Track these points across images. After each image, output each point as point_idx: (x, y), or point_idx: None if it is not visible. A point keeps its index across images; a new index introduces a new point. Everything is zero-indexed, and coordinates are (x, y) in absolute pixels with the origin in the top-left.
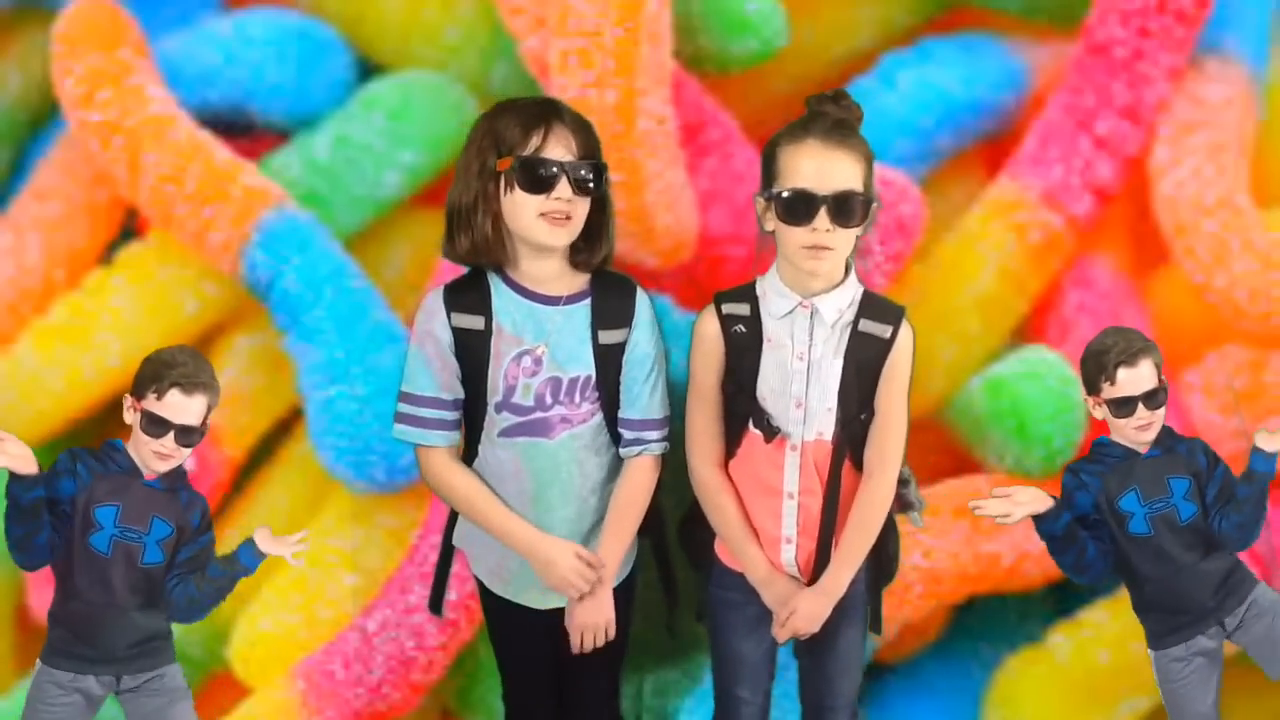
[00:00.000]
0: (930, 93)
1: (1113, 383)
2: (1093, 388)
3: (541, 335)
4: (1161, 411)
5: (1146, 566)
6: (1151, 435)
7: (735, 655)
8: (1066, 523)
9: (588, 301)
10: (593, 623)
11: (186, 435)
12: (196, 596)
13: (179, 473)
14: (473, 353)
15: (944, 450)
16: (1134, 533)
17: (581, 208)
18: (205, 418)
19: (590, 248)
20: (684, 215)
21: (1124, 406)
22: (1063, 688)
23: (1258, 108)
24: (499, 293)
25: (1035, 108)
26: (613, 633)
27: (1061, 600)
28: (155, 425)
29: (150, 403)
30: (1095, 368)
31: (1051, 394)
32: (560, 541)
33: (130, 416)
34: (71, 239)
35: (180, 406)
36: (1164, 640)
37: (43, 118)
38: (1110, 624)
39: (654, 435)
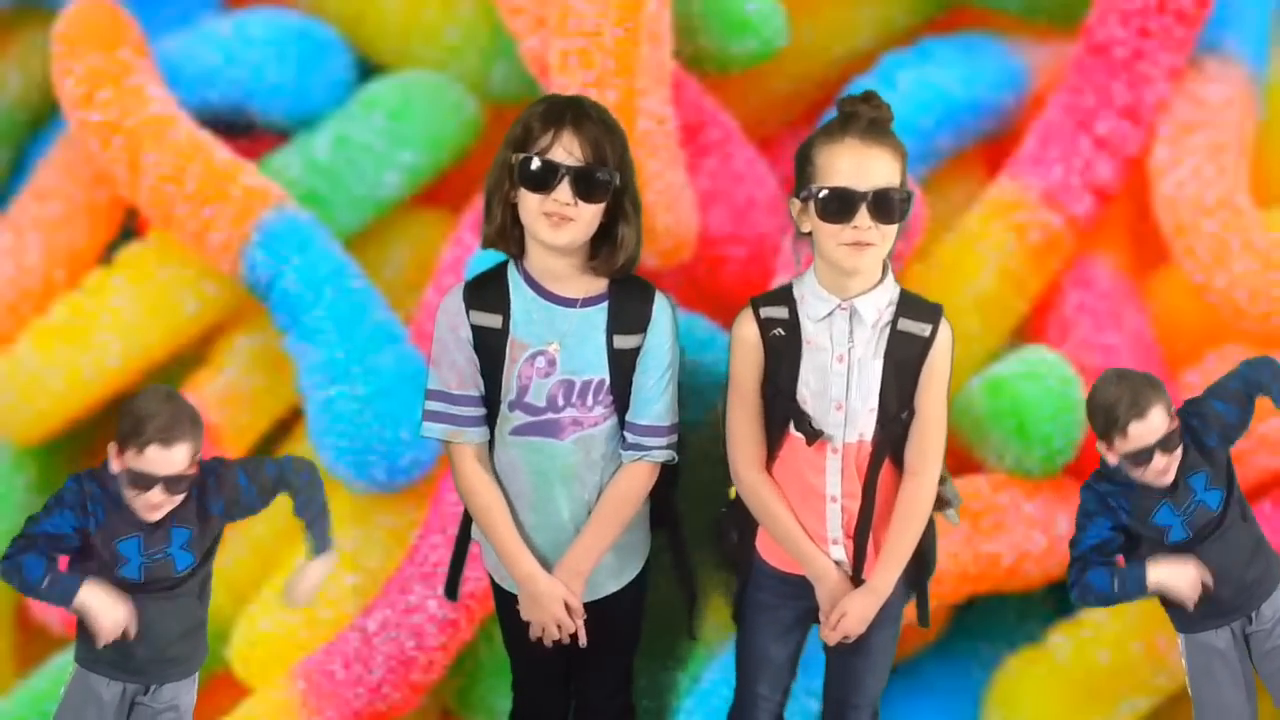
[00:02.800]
0: (930, 93)
1: (1125, 437)
2: (1104, 437)
3: (555, 335)
4: (1178, 452)
5: (1179, 550)
6: (1170, 477)
7: (762, 656)
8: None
9: (605, 305)
10: (537, 620)
11: (174, 484)
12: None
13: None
14: (490, 350)
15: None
16: (1174, 541)
17: (586, 213)
18: (192, 459)
19: (606, 254)
20: (684, 215)
21: (1140, 457)
22: (1063, 688)
23: (1258, 108)
24: (518, 291)
25: (1035, 108)
26: (581, 634)
27: (1061, 600)
28: (140, 481)
29: (131, 458)
30: (1105, 422)
31: (1051, 394)
32: (555, 584)
33: (115, 465)
34: (71, 239)
35: (162, 459)
36: (1197, 624)
37: (43, 118)
38: (1110, 624)
39: (656, 443)
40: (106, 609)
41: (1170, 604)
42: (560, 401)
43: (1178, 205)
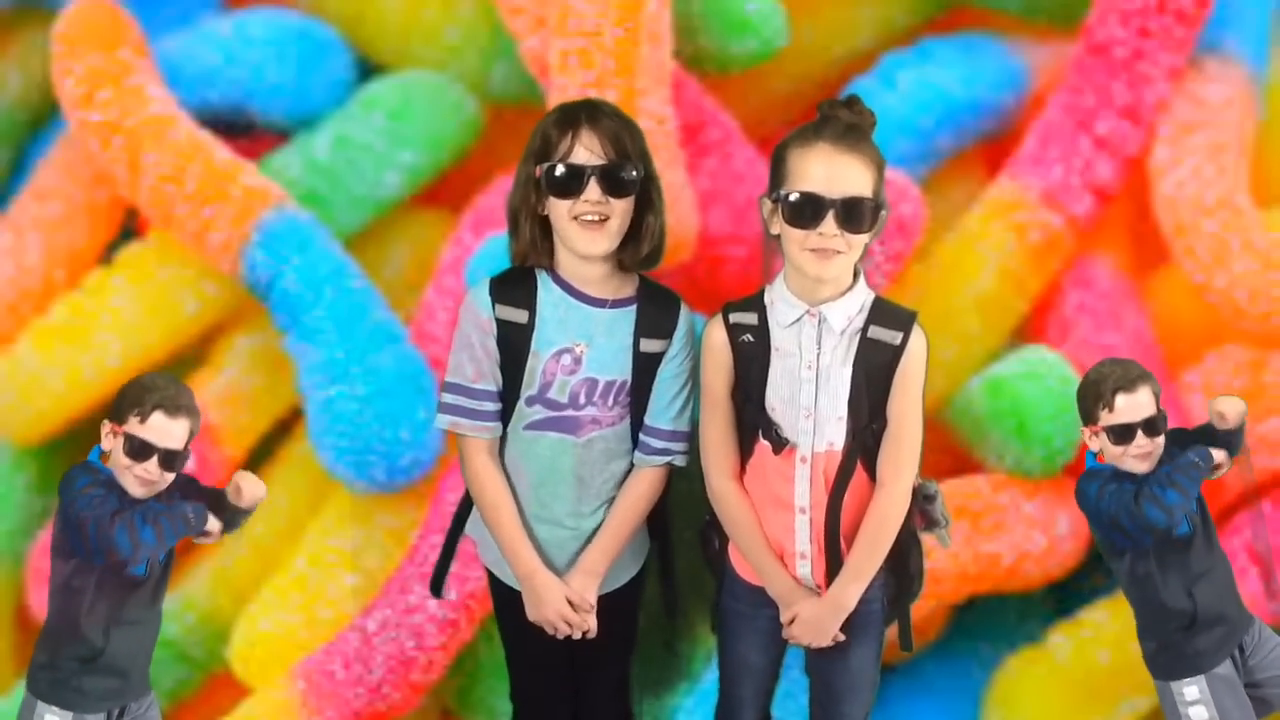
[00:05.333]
0: (930, 93)
1: (1111, 409)
2: (1090, 417)
3: (584, 335)
4: (1161, 440)
5: (1199, 561)
6: (1150, 465)
7: (741, 662)
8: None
9: (633, 308)
10: (543, 618)
11: (170, 460)
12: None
13: (171, 487)
14: (512, 345)
15: (944, 450)
16: (1182, 534)
17: (618, 209)
18: (188, 443)
19: (632, 247)
20: (684, 215)
21: (1123, 434)
22: (1063, 688)
23: (1258, 108)
24: (545, 289)
25: (1035, 108)
26: (592, 630)
27: (1061, 600)
28: (139, 450)
29: (133, 426)
30: (1093, 396)
31: (1051, 394)
32: (555, 581)
33: (110, 442)
34: (71, 239)
35: (164, 430)
36: (1215, 657)
37: (43, 118)
38: (1110, 624)
39: (679, 447)
40: (252, 482)
41: (1211, 632)
42: (582, 400)
43: (1178, 205)
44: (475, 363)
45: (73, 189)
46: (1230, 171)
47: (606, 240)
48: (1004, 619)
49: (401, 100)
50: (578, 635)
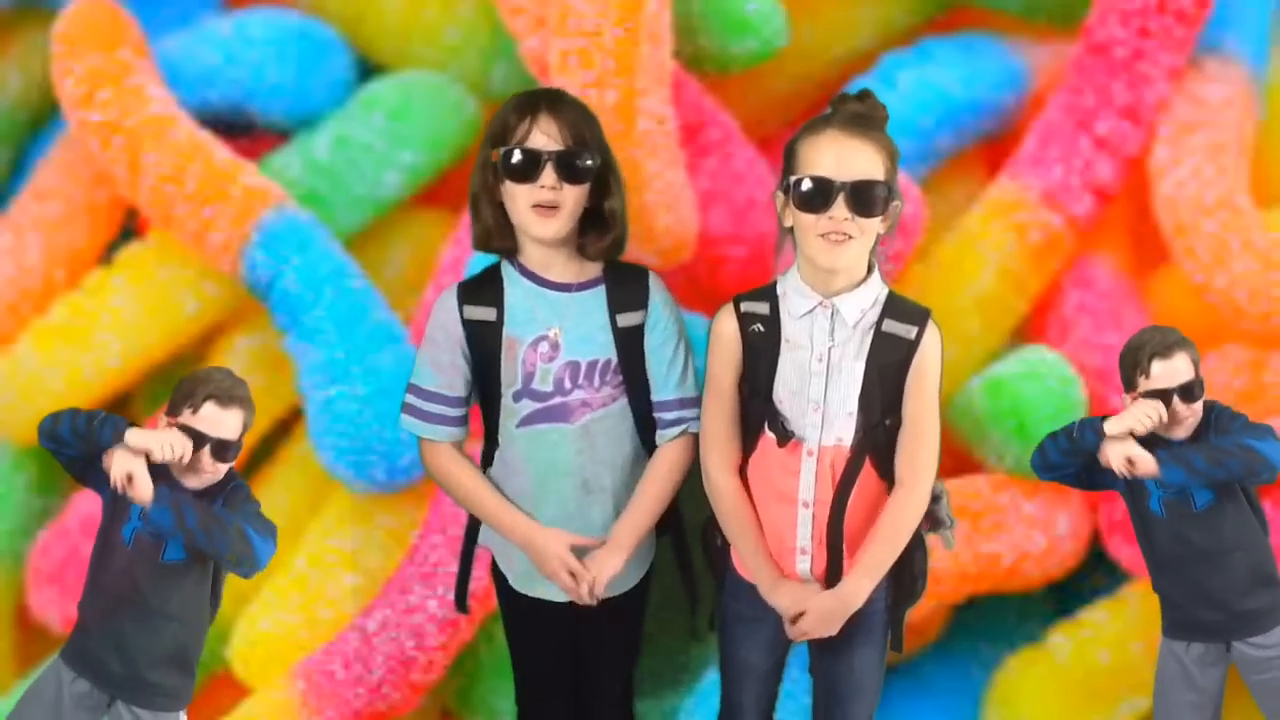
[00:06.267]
0: (930, 93)
1: (1147, 376)
2: (1129, 384)
3: (555, 320)
4: (1198, 406)
5: (1165, 547)
6: (1186, 432)
7: (744, 664)
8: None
9: (602, 287)
10: (550, 571)
11: (222, 450)
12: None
13: (219, 483)
14: (486, 344)
15: (944, 450)
16: (1152, 511)
17: (571, 195)
18: (241, 434)
19: (595, 235)
20: (684, 215)
21: (1160, 399)
22: (1063, 688)
23: (1258, 108)
24: (511, 282)
25: (1035, 108)
26: (599, 591)
27: (1061, 600)
28: (192, 438)
29: (185, 417)
30: (1130, 362)
31: (1051, 394)
32: (553, 531)
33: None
34: (71, 239)
35: (215, 419)
36: (1173, 630)
37: (43, 118)
38: (1110, 624)
39: (692, 414)
40: (155, 436)
41: (1161, 601)
42: (567, 384)
43: (1178, 205)
44: (436, 367)
45: (73, 189)
46: (1230, 171)
47: (557, 224)
48: (1004, 619)
49: (401, 100)
50: (584, 593)
